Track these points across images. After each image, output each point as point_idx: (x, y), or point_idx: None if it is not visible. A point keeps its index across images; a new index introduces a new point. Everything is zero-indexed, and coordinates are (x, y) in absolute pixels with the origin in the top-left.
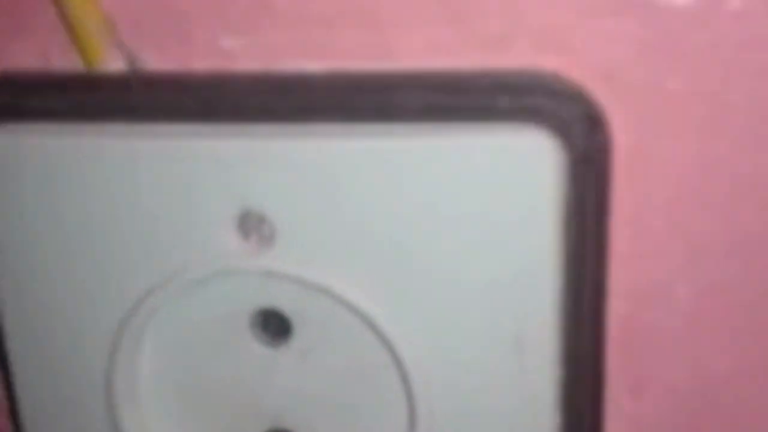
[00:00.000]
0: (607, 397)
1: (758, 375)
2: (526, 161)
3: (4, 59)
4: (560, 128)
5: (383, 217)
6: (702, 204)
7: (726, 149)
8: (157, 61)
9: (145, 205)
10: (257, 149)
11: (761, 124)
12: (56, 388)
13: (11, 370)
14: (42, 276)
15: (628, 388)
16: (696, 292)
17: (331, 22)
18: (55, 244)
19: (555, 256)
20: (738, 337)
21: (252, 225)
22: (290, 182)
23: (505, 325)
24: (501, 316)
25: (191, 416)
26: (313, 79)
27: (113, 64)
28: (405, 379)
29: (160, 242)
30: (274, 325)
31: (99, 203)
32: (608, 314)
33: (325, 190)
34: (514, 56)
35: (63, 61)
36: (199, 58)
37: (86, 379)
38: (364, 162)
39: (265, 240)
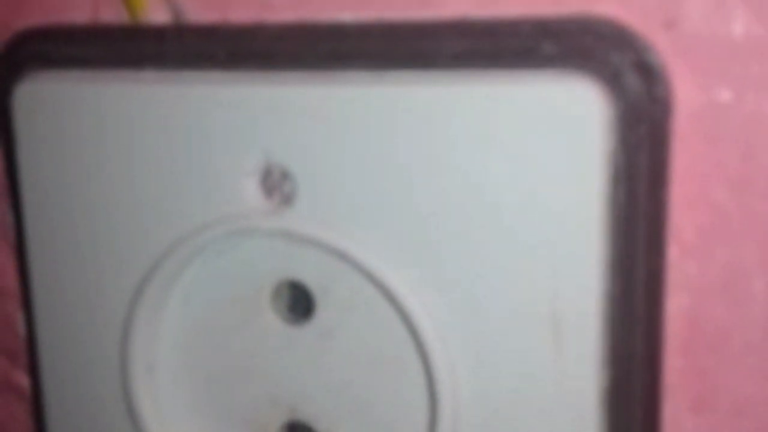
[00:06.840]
0: (663, 413)
1: None
2: (569, 112)
3: (57, 12)
4: (609, 77)
5: (412, 176)
6: None
7: None
8: (199, 12)
9: (168, 155)
10: (282, 96)
11: None
12: (74, 353)
13: (36, 332)
14: (64, 226)
15: (689, 403)
16: None
17: None
18: (80, 192)
19: (598, 224)
20: None
21: (275, 182)
22: (316, 134)
23: (541, 301)
24: (536, 289)
25: (208, 400)
26: (345, 28)
27: (157, 16)
28: (426, 366)
29: (181, 198)
30: (298, 303)
31: (123, 152)
32: (666, 308)
33: (352, 144)
34: (567, 3)
35: (111, 14)
36: (238, 9)
37: (102, 346)
38: (394, 111)
39: (286, 198)
